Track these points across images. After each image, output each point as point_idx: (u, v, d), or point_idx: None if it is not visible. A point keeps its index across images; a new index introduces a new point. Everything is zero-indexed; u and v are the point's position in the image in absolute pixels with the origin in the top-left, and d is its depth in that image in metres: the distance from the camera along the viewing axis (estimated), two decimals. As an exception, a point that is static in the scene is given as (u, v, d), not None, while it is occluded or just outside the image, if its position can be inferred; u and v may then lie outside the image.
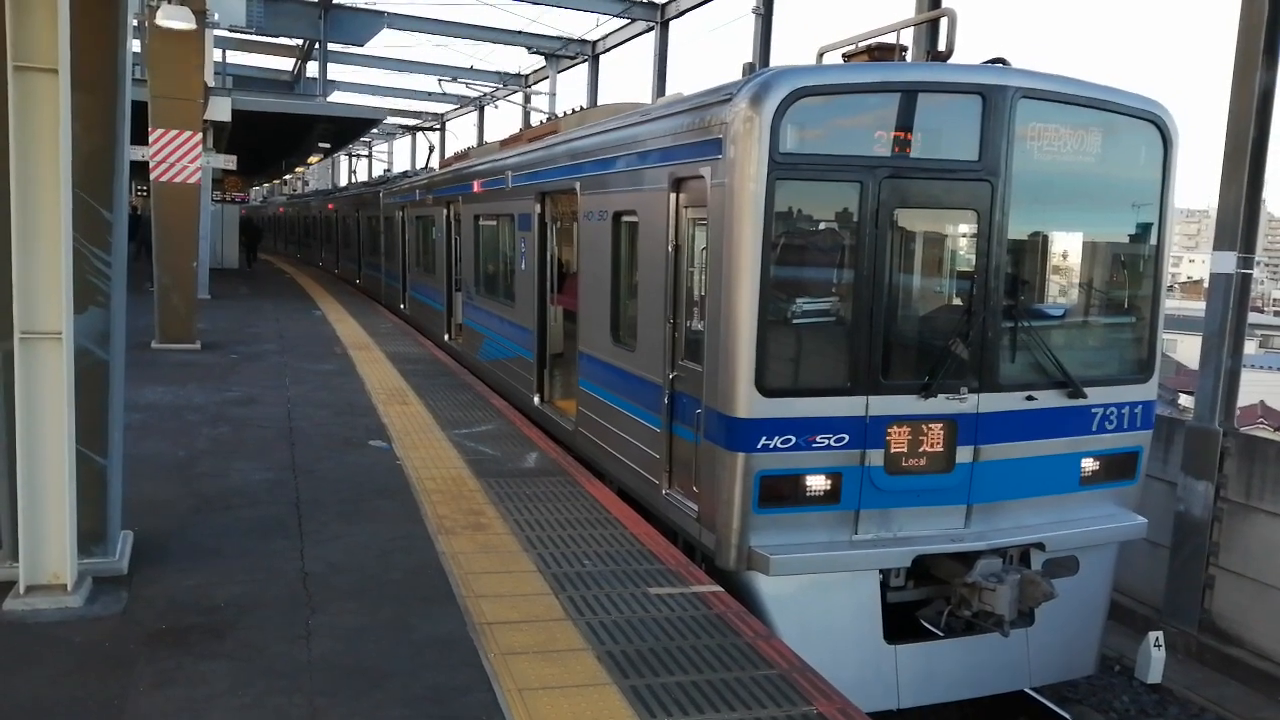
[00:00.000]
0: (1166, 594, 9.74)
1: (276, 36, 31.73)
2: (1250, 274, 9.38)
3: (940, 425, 6.59)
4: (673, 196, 7.25)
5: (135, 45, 16.44)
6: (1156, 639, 8.40)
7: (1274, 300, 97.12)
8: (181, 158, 14.72)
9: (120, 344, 5.83)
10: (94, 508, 5.65)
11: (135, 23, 15.39)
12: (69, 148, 5.02)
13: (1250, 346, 9.48)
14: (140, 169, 15.04)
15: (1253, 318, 9.17)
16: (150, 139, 14.60)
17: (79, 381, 5.29)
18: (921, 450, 6.58)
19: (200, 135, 15.39)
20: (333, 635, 5.06)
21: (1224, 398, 9.44)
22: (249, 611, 5.31)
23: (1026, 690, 7.50)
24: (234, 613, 5.29)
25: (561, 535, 6.77)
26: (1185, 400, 26.18)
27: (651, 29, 22.28)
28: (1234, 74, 9.36)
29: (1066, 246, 7.20)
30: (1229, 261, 9.33)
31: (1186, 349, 38.62)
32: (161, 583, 5.66)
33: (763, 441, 6.26)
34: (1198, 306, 39.50)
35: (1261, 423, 27.92)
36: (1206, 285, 9.70)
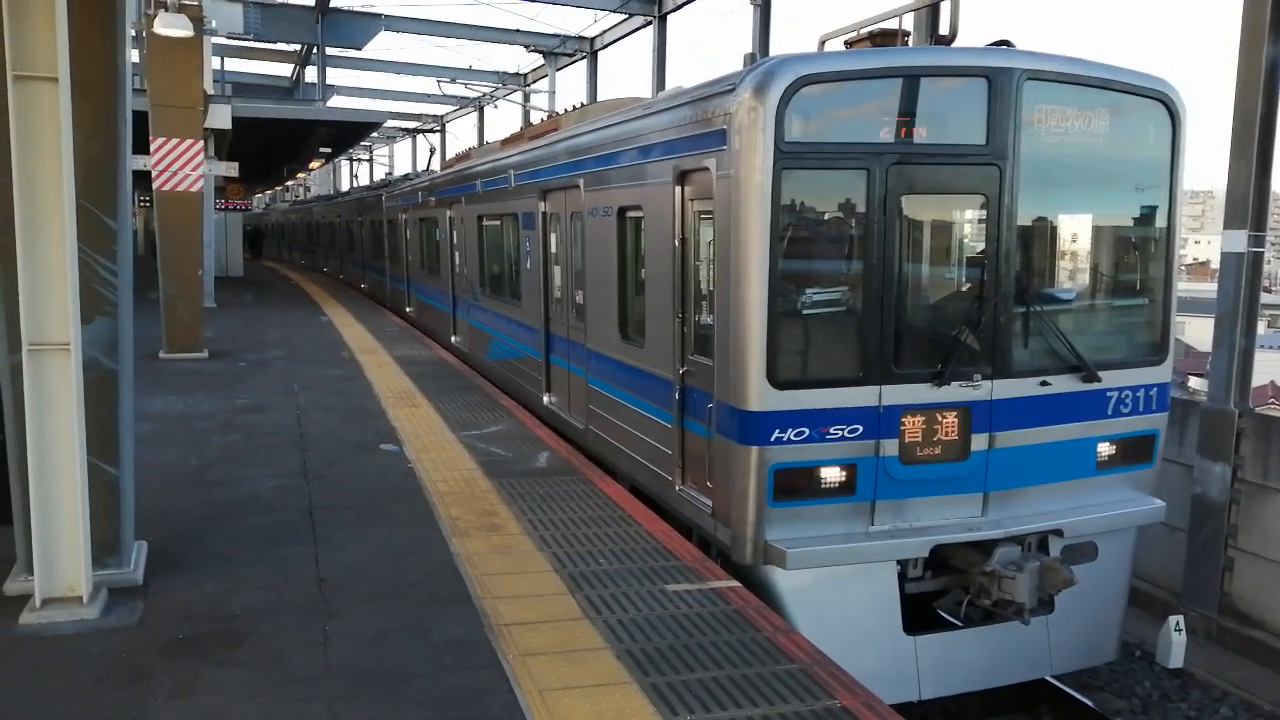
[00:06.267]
0: (1185, 578, 9.67)
1: (274, 42, 31.74)
2: (1262, 252, 9.29)
3: (954, 413, 6.54)
4: (678, 190, 7.20)
5: (134, 55, 16.44)
6: (1177, 623, 8.34)
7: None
8: (183, 166, 14.70)
9: (128, 353, 5.81)
10: (107, 518, 5.62)
11: (133, 32, 15.38)
12: (71, 157, 4.99)
13: (1260, 327, 9.38)
14: (142, 178, 15.02)
15: (1262, 298, 9.08)
16: (151, 148, 14.58)
17: (88, 392, 5.26)
18: (936, 439, 6.53)
19: (201, 143, 15.37)
20: (350, 640, 5.03)
21: (1238, 378, 9.36)
22: (265, 618, 5.28)
23: (1048, 678, 7.45)
24: (250, 620, 5.26)
25: (576, 534, 6.74)
26: (1195, 383, 26.03)
27: (649, 24, 22.19)
28: (1240, 46, 9.24)
29: (1076, 229, 7.14)
30: (1240, 240, 9.24)
31: (1194, 331, 38.45)
32: (177, 592, 5.63)
33: (776, 434, 6.22)
34: (1204, 288, 39.29)
35: (1273, 403, 27.77)
36: (1214, 266, 9.63)
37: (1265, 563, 9.08)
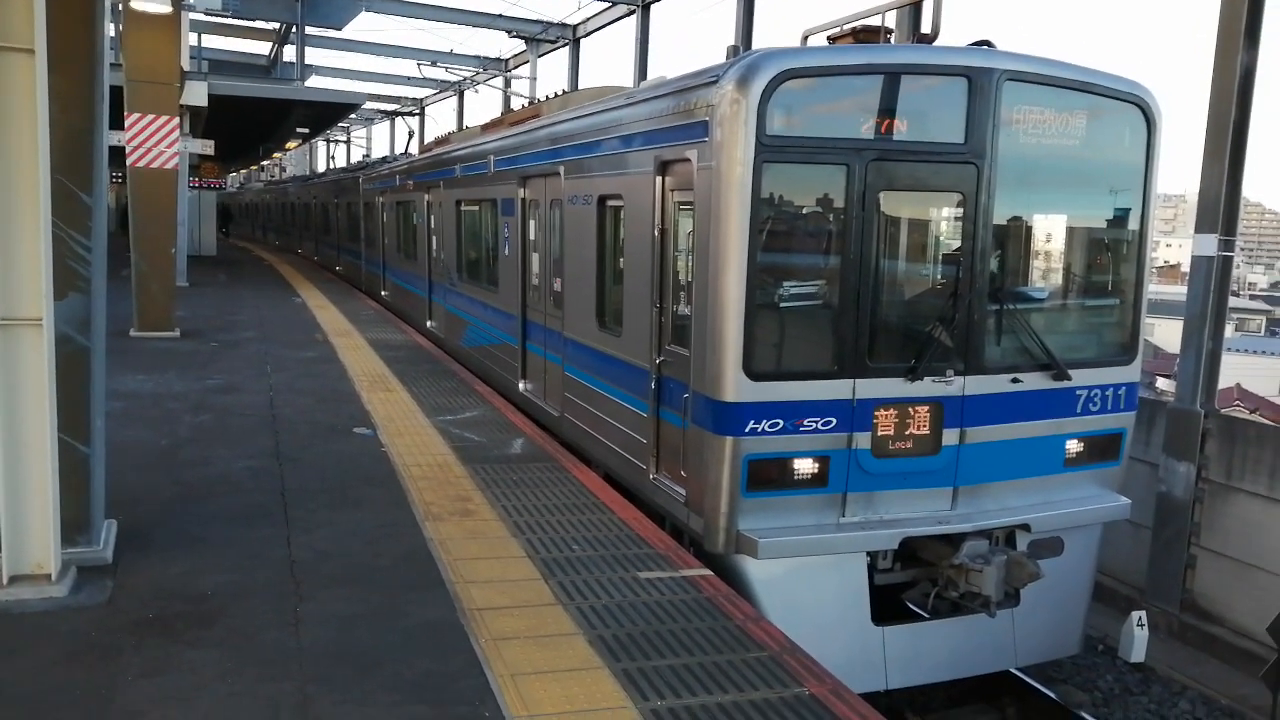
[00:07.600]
0: (1149, 574, 9.83)
1: (253, 20, 31.34)
2: (1231, 256, 9.44)
3: (927, 408, 6.61)
4: (658, 180, 7.21)
5: (110, 30, 16.19)
6: (1139, 618, 8.47)
7: (1249, 284, 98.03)
8: (158, 143, 14.53)
9: (101, 330, 5.75)
10: (77, 496, 5.58)
11: (111, 5, 15.17)
12: (46, 131, 4.93)
13: (1227, 330, 9.52)
14: (116, 154, 14.86)
15: (1230, 301, 9.24)
16: (126, 123, 14.39)
17: (60, 369, 5.21)
18: (908, 433, 6.60)
19: (177, 120, 15.19)
20: (322, 622, 5.03)
21: (1205, 379, 9.52)
22: (237, 599, 5.27)
23: (1012, 670, 7.57)
24: (221, 600, 5.24)
25: (549, 520, 6.76)
26: (1163, 384, 26.37)
27: (633, 12, 22.14)
28: (1215, 54, 9.38)
29: (1051, 229, 7.22)
30: (1210, 244, 9.39)
31: (1164, 333, 38.97)
32: (147, 571, 5.60)
33: (750, 425, 6.26)
34: (1174, 290, 39.77)
35: (1238, 405, 28.16)
36: (1185, 269, 9.79)
37: (1227, 560, 9.25)
